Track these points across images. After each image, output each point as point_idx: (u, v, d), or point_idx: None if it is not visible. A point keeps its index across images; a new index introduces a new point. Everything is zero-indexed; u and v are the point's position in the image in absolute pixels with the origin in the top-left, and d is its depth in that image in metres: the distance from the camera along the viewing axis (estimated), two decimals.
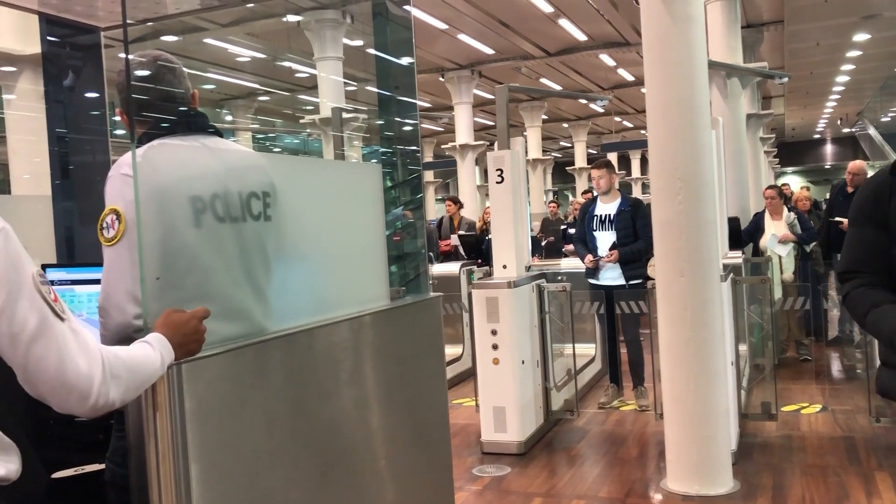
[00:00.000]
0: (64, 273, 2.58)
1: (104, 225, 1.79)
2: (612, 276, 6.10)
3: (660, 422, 4.68)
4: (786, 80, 10.09)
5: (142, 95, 2.01)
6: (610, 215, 6.11)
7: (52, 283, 2.57)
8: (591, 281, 6.23)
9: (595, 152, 28.80)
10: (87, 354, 1.45)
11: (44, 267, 2.62)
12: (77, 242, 3.34)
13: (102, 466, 2.03)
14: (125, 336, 1.73)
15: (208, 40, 12.92)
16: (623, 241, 6.04)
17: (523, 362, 5.32)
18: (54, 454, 2.27)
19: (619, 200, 6.18)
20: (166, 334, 1.63)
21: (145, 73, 2.02)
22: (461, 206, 10.61)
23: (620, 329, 6.32)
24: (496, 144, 5.77)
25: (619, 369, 6.47)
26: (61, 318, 1.44)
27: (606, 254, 6.03)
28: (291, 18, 11.32)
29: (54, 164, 3.44)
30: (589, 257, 6.12)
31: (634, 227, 6.02)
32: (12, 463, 1.49)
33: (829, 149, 37.73)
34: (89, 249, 3.27)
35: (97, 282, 2.57)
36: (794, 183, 30.55)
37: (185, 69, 2.11)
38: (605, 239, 6.12)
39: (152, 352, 1.58)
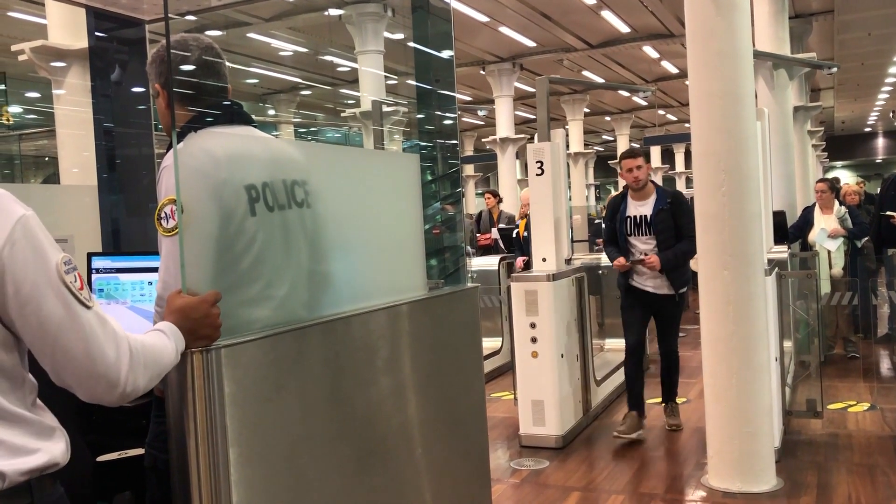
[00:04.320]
0: (109, 261, 2.64)
1: (163, 215, 1.78)
2: (654, 283, 5.15)
3: (701, 417, 4.62)
4: (835, 70, 9.84)
5: (188, 89, 2.02)
6: (646, 216, 5.11)
7: (98, 270, 2.64)
8: (631, 283, 5.23)
9: (638, 146, 28.48)
10: (115, 342, 1.42)
11: (90, 256, 2.68)
12: (122, 232, 3.41)
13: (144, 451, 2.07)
14: None
15: (251, 34, 13.07)
16: (664, 245, 5.07)
17: (562, 356, 5.29)
18: (99, 438, 2.33)
19: (654, 197, 5.14)
20: (175, 322, 1.60)
21: (198, 62, 2.02)
22: (501, 200, 10.58)
23: (656, 339, 5.43)
24: (536, 137, 5.73)
25: (641, 391, 5.29)
26: (87, 306, 1.41)
27: (646, 256, 5.06)
28: (333, 12, 11.39)
29: (101, 156, 3.51)
30: (620, 260, 5.14)
31: (676, 227, 5.06)
32: (58, 445, 1.46)
33: (880, 142, 36.72)
34: (134, 239, 3.34)
35: (142, 270, 2.64)
36: (844, 177, 29.83)
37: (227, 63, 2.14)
38: (642, 246, 5.13)
39: (167, 340, 1.55)
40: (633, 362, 5.26)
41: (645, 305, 5.21)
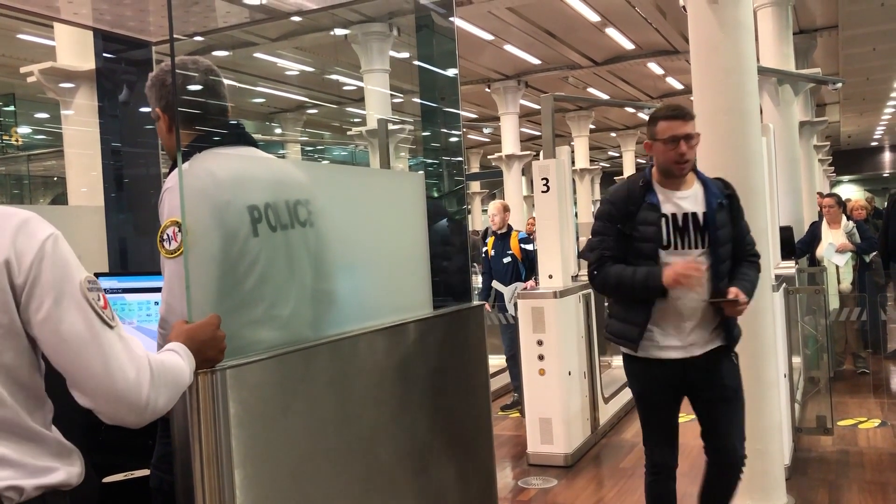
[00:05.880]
0: (115, 282, 2.65)
1: (165, 237, 1.78)
2: (700, 337, 3.01)
3: None
4: (839, 85, 9.85)
5: (193, 109, 2.03)
6: (697, 216, 2.99)
7: (104, 291, 2.64)
8: (655, 355, 3.01)
9: (644, 161, 28.46)
10: (136, 362, 1.43)
11: (96, 276, 2.68)
12: (130, 252, 3.42)
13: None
14: None
15: (258, 54, 13.16)
16: (719, 266, 2.97)
17: (570, 373, 5.27)
18: (105, 459, 2.32)
19: (698, 186, 3.07)
20: (184, 343, 1.61)
21: (198, 84, 2.04)
22: None
23: (702, 433, 3.31)
24: (541, 154, 5.75)
25: None
26: (110, 326, 1.43)
27: (730, 292, 2.92)
28: (339, 32, 11.47)
29: (108, 176, 3.53)
30: (685, 269, 2.85)
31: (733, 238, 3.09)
32: (75, 467, 1.49)
33: (887, 156, 36.66)
34: (142, 259, 3.35)
35: (148, 290, 2.64)
36: (851, 191, 29.75)
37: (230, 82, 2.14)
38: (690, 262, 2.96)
39: (181, 360, 1.57)
40: (660, 487, 3.27)
41: (678, 387, 3.10)
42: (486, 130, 21.11)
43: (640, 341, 2.99)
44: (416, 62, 3.17)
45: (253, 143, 2.07)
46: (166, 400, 1.48)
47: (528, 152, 17.91)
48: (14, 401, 1.40)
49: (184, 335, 1.62)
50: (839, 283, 7.33)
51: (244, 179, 1.90)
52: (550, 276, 5.44)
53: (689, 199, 3.03)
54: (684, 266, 2.85)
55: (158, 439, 2.01)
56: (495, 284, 6.61)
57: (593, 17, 12.82)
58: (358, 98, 15.61)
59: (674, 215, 2.99)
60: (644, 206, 2.98)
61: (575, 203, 6.32)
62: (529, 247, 6.47)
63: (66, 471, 1.46)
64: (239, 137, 2.04)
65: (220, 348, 1.65)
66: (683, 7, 4.59)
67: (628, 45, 14.91)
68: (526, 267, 6.51)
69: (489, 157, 20.16)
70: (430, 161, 3.35)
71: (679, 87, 19.31)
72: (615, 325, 3.11)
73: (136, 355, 1.44)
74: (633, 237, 2.96)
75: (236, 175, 1.89)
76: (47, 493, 1.44)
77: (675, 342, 3.00)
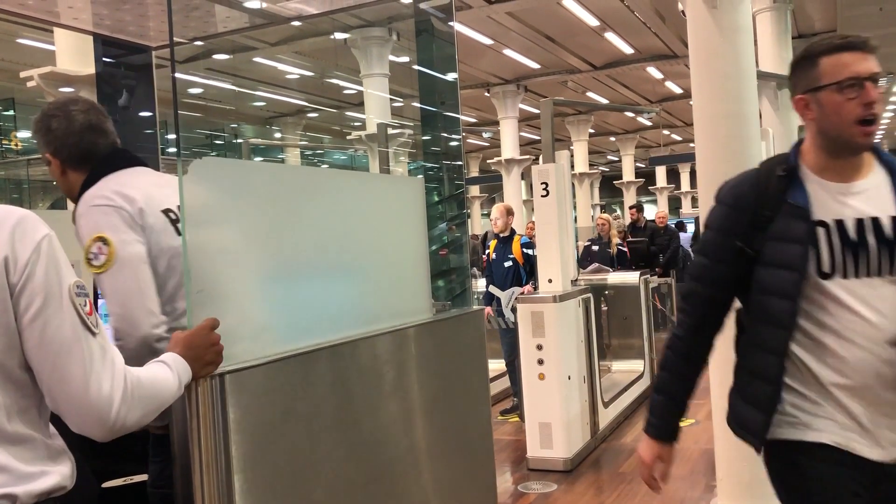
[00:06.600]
0: None
1: (91, 255, 1.86)
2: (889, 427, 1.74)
3: (710, 439, 4.58)
4: None
5: (78, 154, 2.08)
6: (880, 223, 1.77)
7: (98, 295, 2.63)
8: (841, 445, 1.77)
9: (643, 165, 28.48)
10: (112, 374, 1.42)
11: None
12: None
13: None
14: (149, 350, 1.82)
15: (257, 59, 13.18)
16: None
17: (569, 378, 5.27)
18: (104, 464, 2.31)
19: (881, 175, 1.83)
20: (180, 353, 1.61)
21: (83, 123, 2.08)
22: None
23: None
24: (541, 158, 5.76)
25: None
26: (93, 333, 1.42)
27: None
28: (339, 36, 11.49)
29: None
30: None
31: None
32: (65, 467, 1.47)
33: None
34: None
35: None
36: None
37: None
38: (882, 305, 1.72)
39: (170, 373, 1.56)
40: None
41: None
42: (485, 135, 21.10)
43: (775, 417, 1.88)
44: (416, 66, 3.18)
45: (143, 163, 2.16)
46: (139, 416, 1.46)
47: (527, 156, 17.94)
48: (6, 400, 1.39)
49: (180, 344, 1.62)
50: None
51: (151, 188, 2.01)
52: (550, 281, 5.44)
53: (865, 196, 1.80)
54: (648, 466, 1.99)
55: (152, 459, 2.00)
56: (492, 289, 6.59)
57: (592, 22, 12.85)
58: (357, 102, 15.62)
59: (839, 223, 1.77)
60: (785, 209, 1.81)
61: (574, 207, 6.31)
62: (531, 251, 6.45)
63: (59, 472, 1.44)
64: (131, 160, 2.13)
65: (217, 351, 1.66)
66: (682, 11, 4.60)
67: (627, 50, 14.93)
68: (527, 271, 6.49)
69: (489, 161, 20.19)
70: (430, 165, 3.36)
71: (678, 91, 19.34)
72: (737, 404, 2.01)
73: (114, 367, 1.43)
74: (761, 262, 1.81)
75: (141, 185, 2.00)
76: (41, 502, 1.41)
77: (859, 434, 1.77)
